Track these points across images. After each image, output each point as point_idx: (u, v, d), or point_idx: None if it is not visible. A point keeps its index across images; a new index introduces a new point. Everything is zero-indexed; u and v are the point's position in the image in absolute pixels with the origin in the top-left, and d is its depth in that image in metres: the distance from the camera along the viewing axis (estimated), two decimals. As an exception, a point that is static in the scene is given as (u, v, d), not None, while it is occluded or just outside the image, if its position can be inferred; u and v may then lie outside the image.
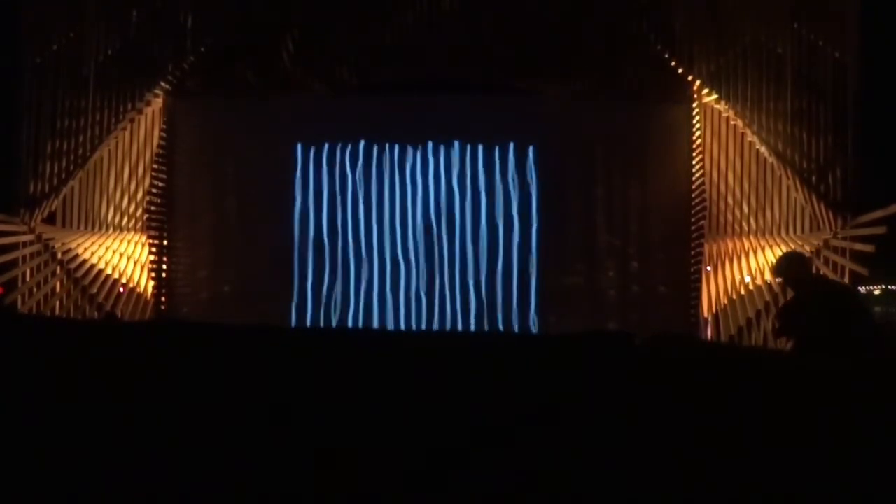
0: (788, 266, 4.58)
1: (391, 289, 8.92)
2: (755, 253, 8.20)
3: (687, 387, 1.99)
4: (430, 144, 9.02)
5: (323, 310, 8.91)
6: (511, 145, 8.93)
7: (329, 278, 9.01)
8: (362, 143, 9.06)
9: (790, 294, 4.89)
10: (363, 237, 9.02)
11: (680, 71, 8.56)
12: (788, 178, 8.10)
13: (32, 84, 8.59)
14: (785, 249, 7.79)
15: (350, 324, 8.76)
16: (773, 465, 1.83)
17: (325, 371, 2.21)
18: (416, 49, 8.86)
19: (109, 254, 8.79)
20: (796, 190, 8.08)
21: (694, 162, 8.82)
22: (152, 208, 9.10)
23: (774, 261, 7.66)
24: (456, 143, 8.99)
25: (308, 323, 8.74)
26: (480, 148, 8.96)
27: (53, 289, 8.53)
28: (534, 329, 8.82)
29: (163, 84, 8.94)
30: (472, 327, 8.82)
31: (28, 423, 2.08)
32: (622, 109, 9.04)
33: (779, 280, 6.79)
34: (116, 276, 8.79)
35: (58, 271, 8.46)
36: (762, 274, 8.01)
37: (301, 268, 9.09)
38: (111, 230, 9.03)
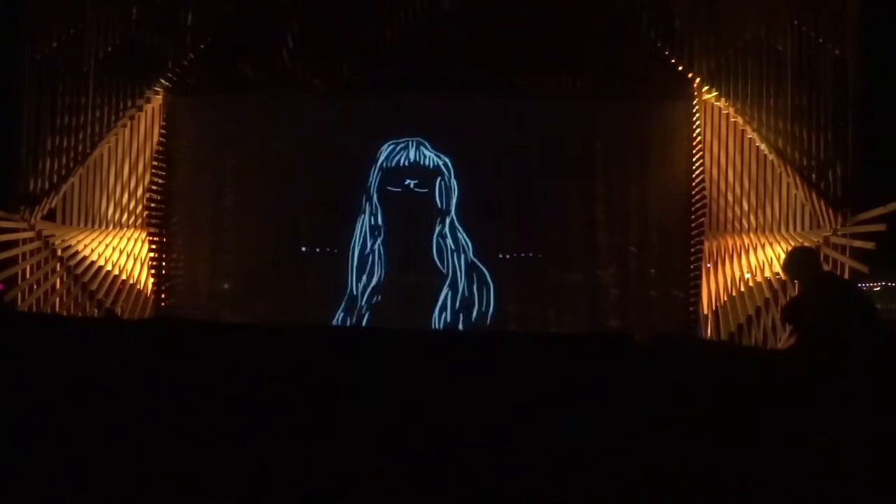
0: (796, 263, 4.59)
1: (392, 287, 8.91)
2: (755, 250, 8.21)
3: (686, 386, 1.99)
4: (429, 141, 9.01)
5: (323, 308, 8.90)
6: (511, 142, 8.91)
7: (330, 276, 9.01)
8: (362, 140, 9.05)
9: (793, 290, 4.91)
10: (363, 235, 9.01)
11: (680, 68, 8.54)
12: (788, 175, 8.11)
13: (32, 81, 8.60)
14: (785, 246, 7.80)
15: (350, 322, 8.75)
16: (771, 464, 1.83)
17: (326, 369, 2.21)
18: (416, 46, 8.85)
19: (109, 251, 8.80)
20: (796, 187, 8.08)
21: (694, 159, 8.81)
22: (152, 205, 9.10)
23: (775, 259, 7.70)
24: (456, 140, 8.98)
25: (308, 320, 8.74)
26: (480, 145, 8.95)
27: (53, 286, 8.53)
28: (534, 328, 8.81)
29: (163, 81, 8.95)
30: (472, 326, 8.82)
31: (27, 420, 2.08)
32: (622, 106, 9.03)
33: (782, 276, 6.81)
34: (116, 272, 8.80)
35: (58, 268, 8.47)
36: (762, 271, 8.02)
37: (302, 265, 9.11)
38: (111, 227, 9.04)
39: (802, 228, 8.17)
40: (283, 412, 2.12)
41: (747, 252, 8.27)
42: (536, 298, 8.98)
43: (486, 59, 8.82)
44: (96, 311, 8.50)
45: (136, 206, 9.11)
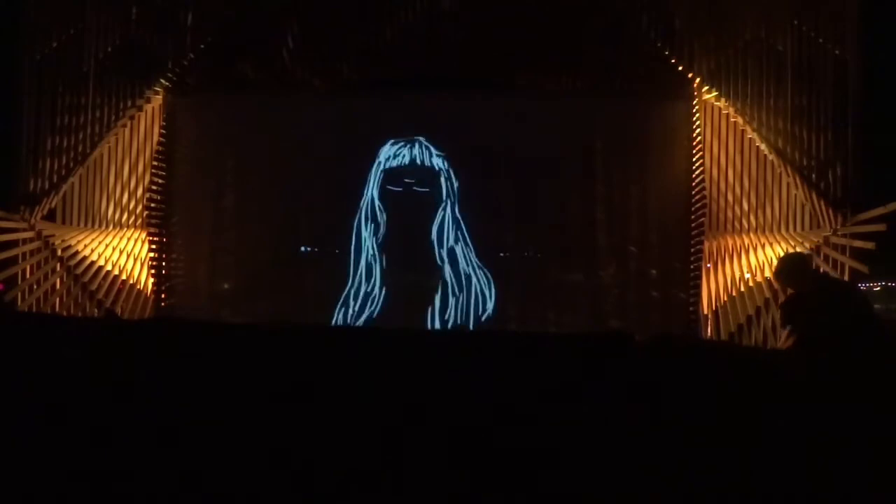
0: (787, 270, 4.59)
1: (392, 287, 8.91)
2: (755, 250, 8.21)
3: (686, 386, 1.99)
4: (429, 141, 9.01)
5: (323, 308, 8.89)
6: (511, 142, 8.91)
7: (330, 276, 9.00)
8: (362, 140, 9.05)
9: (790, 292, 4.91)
10: (364, 234, 9.01)
11: (680, 68, 8.55)
12: (788, 175, 8.11)
13: (32, 81, 8.61)
14: (785, 246, 7.81)
15: (350, 322, 8.75)
16: (770, 463, 1.83)
17: (326, 369, 2.21)
18: (416, 46, 8.85)
19: (109, 251, 8.81)
20: (796, 187, 8.09)
21: (694, 159, 8.82)
22: (152, 205, 9.11)
23: (775, 259, 7.70)
24: (456, 140, 8.98)
25: (308, 320, 8.74)
26: (480, 145, 8.95)
27: (53, 286, 8.54)
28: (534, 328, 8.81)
29: (163, 81, 8.95)
30: (472, 326, 8.82)
31: (27, 420, 2.08)
32: (622, 106, 9.02)
33: (776, 284, 6.82)
34: (116, 272, 8.80)
35: (58, 268, 8.48)
36: (762, 271, 8.02)
37: (302, 265, 9.11)
38: (111, 227, 9.05)
39: (802, 228, 8.17)
40: (283, 412, 2.12)
41: (747, 252, 8.27)
42: (536, 298, 8.97)
43: (486, 59, 8.81)
44: (96, 311, 8.50)
45: (136, 206, 9.11)
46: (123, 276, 8.86)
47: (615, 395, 1.98)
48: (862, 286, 8.72)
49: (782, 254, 7.01)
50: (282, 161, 9.10)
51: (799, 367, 2.62)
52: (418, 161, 9.01)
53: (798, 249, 7.52)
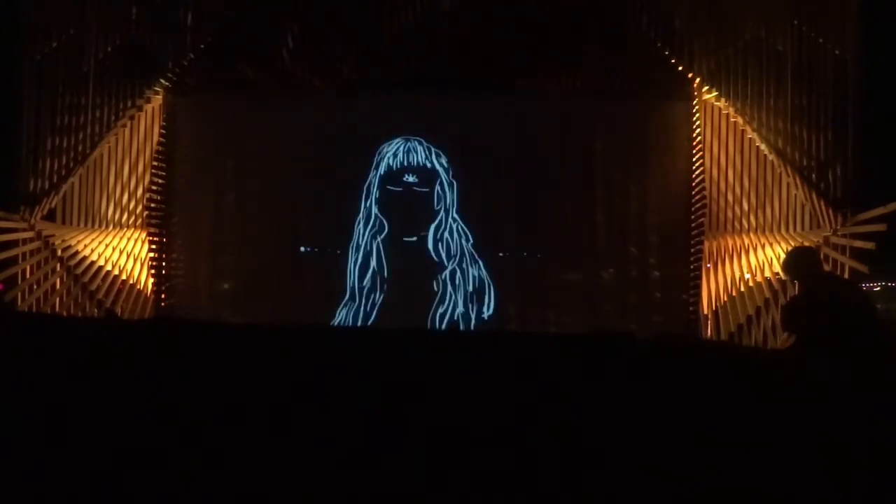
0: (795, 263, 4.61)
1: (392, 287, 8.91)
2: (755, 250, 8.22)
3: (686, 386, 1.99)
4: (429, 141, 9.02)
5: (323, 308, 8.89)
6: (510, 142, 8.92)
7: (330, 276, 9.00)
8: (362, 140, 9.06)
9: (793, 290, 4.92)
10: (364, 234, 9.01)
11: (680, 68, 8.55)
12: (788, 175, 8.12)
13: (32, 81, 8.61)
14: (785, 246, 7.81)
15: (351, 322, 8.76)
16: (770, 464, 1.83)
17: (325, 369, 2.21)
18: (416, 46, 8.86)
19: (109, 251, 8.81)
20: (796, 187, 8.09)
21: (694, 159, 8.82)
22: (152, 205, 9.11)
23: (775, 259, 7.70)
24: (456, 140, 8.98)
25: (308, 320, 8.73)
26: (480, 145, 8.96)
27: (53, 286, 8.54)
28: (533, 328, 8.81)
29: (163, 81, 8.95)
30: (472, 326, 8.82)
31: (27, 421, 2.08)
32: (622, 107, 9.03)
33: (784, 276, 6.83)
34: (116, 272, 8.80)
35: (58, 268, 8.48)
36: (762, 271, 8.02)
37: (302, 265, 9.11)
38: (111, 227, 9.05)
39: (802, 228, 8.17)
40: (283, 412, 2.11)
41: (747, 252, 8.27)
42: (536, 298, 8.98)
43: (486, 59, 8.81)
44: (96, 311, 8.50)
45: (136, 206, 9.11)
46: (123, 276, 8.86)
47: (615, 394, 1.98)
48: (862, 286, 8.71)
49: (783, 254, 7.02)
50: (282, 161, 9.11)
51: (799, 367, 2.63)
52: (418, 161, 9.01)
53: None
